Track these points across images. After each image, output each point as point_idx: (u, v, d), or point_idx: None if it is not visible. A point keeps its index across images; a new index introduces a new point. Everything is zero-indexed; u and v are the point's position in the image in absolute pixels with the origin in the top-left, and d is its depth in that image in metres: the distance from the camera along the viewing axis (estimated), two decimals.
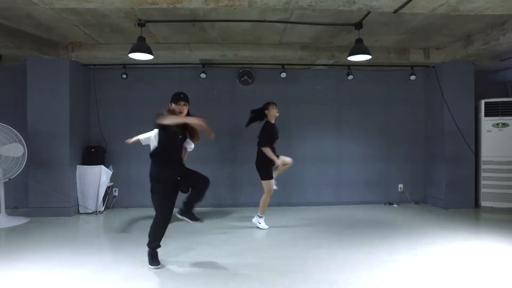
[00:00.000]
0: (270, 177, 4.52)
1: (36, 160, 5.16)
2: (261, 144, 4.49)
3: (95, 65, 5.75)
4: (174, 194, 3.32)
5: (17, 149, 4.84)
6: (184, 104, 3.28)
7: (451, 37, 5.03)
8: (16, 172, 4.89)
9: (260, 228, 4.58)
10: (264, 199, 4.57)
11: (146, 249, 3.37)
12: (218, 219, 5.19)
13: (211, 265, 3.33)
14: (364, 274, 3.06)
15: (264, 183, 4.52)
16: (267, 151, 4.40)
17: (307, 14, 4.17)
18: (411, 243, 3.95)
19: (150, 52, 4.27)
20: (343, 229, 4.60)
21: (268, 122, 4.62)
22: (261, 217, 4.65)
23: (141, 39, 4.26)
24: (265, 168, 4.49)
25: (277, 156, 4.47)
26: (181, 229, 4.20)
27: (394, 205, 6.09)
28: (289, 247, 3.83)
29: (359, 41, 4.47)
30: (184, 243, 3.97)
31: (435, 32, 4.82)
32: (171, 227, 3.46)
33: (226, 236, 4.27)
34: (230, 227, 4.75)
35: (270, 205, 5.76)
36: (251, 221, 4.79)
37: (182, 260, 3.46)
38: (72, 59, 5.30)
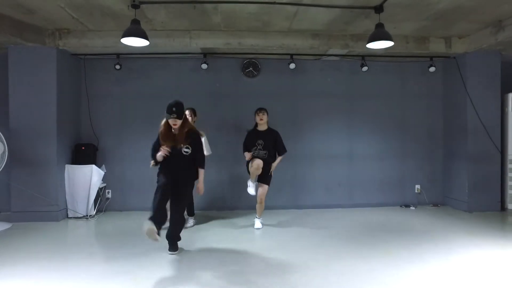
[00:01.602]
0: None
1: (20, 159, 4.66)
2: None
3: (85, 54, 5.25)
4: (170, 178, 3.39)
5: None
6: (177, 117, 3.29)
7: (478, 23, 4.56)
8: None
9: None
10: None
11: (143, 258, 3.30)
12: (219, 223, 4.71)
13: (218, 275, 2.86)
14: None
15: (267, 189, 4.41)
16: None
17: None
18: (442, 252, 3.49)
19: (145, 37, 3.77)
20: (361, 235, 4.14)
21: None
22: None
23: (135, 22, 3.76)
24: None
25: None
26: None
27: (411, 208, 5.63)
28: (303, 258, 3.35)
29: (379, 26, 4.00)
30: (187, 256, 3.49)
31: (462, 17, 4.35)
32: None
33: (229, 244, 3.79)
34: (232, 233, 4.27)
35: (276, 207, 5.33)
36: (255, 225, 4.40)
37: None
38: (60, 48, 4.79)
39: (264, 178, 4.34)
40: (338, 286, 2.72)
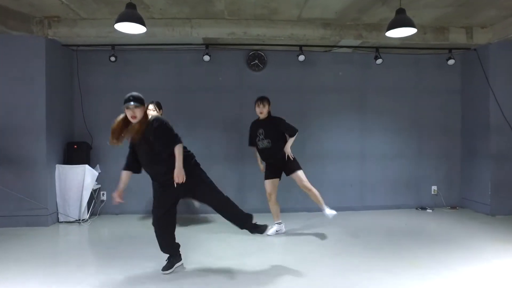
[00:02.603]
0: (264, 177, 4.06)
1: (5, 158, 4.27)
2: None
3: (77, 45, 4.86)
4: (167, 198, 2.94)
5: None
6: (135, 106, 2.77)
7: (507, 9, 4.18)
8: None
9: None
10: (316, 192, 4.03)
11: (142, 266, 3.04)
12: (225, 228, 4.33)
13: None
14: None
15: (301, 173, 3.99)
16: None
17: None
18: (472, 261, 3.13)
19: (142, 23, 3.38)
20: (379, 242, 3.76)
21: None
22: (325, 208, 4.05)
23: (131, 6, 3.37)
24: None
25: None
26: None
27: (427, 210, 5.26)
28: (320, 269, 2.98)
29: (401, 11, 3.62)
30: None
31: (490, 2, 3.97)
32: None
33: (241, 249, 3.42)
34: (241, 237, 3.89)
35: (286, 210, 4.93)
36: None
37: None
38: (49, 37, 4.41)
39: (288, 167, 3.95)
40: None
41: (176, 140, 2.82)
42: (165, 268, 2.95)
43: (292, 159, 3.93)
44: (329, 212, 4.00)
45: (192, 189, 2.91)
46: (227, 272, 2.94)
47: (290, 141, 3.98)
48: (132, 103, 2.76)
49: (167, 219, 2.95)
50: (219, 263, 3.15)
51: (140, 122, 2.79)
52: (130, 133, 2.82)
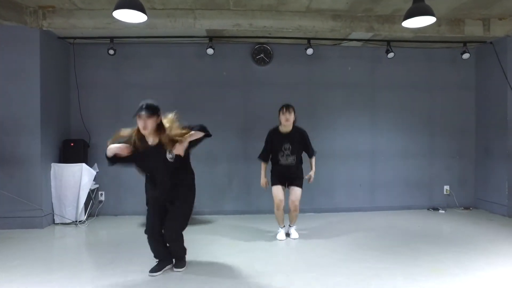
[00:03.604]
0: (272, 183, 3.75)
1: None
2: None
3: (74, 38, 4.62)
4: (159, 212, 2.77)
5: None
6: (148, 116, 2.56)
7: None
8: None
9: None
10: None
11: (142, 270, 2.82)
12: (231, 230, 4.10)
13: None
14: None
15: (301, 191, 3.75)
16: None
17: None
18: (499, 267, 2.90)
19: (143, 11, 3.14)
20: (393, 245, 3.53)
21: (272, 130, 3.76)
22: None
23: None
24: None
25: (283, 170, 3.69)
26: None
27: (440, 211, 5.04)
28: (334, 275, 2.75)
29: (418, 0, 3.39)
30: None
31: None
32: None
33: (243, 253, 3.19)
34: (247, 240, 3.66)
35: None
36: (273, 232, 3.80)
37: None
38: (44, 29, 4.16)
39: (295, 180, 3.68)
40: None
41: (206, 132, 2.79)
42: (155, 270, 2.77)
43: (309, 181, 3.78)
44: (294, 234, 3.80)
45: (174, 200, 2.73)
46: (235, 276, 2.71)
47: (313, 163, 3.78)
48: (144, 112, 2.52)
49: (161, 227, 2.76)
50: (225, 265, 2.92)
51: (164, 136, 2.59)
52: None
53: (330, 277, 2.74)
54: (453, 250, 3.37)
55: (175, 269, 2.85)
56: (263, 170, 3.78)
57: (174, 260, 2.89)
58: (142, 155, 2.66)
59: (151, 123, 2.57)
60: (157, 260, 2.85)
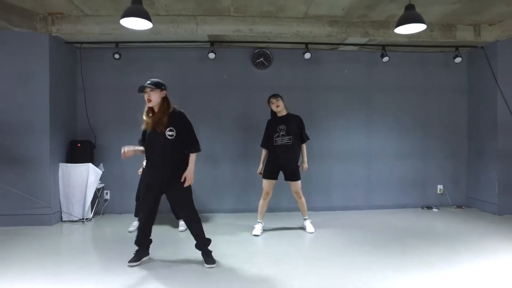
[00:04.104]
0: (264, 175, 3.99)
1: (8, 157, 4.22)
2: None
3: (81, 42, 4.79)
4: (153, 198, 2.99)
5: None
6: (151, 89, 2.93)
7: None
8: None
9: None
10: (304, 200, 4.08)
11: (146, 271, 2.89)
12: (230, 227, 4.28)
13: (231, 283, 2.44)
14: None
15: (299, 183, 4.00)
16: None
17: None
18: (484, 261, 3.07)
19: (148, 18, 3.33)
20: (387, 241, 3.71)
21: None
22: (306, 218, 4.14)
23: (137, 1, 3.32)
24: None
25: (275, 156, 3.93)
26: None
27: (433, 209, 5.22)
28: (330, 268, 2.93)
29: (410, 7, 3.57)
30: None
31: None
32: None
33: (242, 250, 3.36)
34: (246, 238, 3.84)
35: (291, 209, 4.89)
36: (273, 229, 3.94)
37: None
38: (53, 34, 4.34)
39: (293, 173, 3.91)
40: None
41: (196, 143, 2.97)
42: (133, 260, 3.00)
43: (302, 168, 3.99)
44: (309, 226, 4.03)
45: (171, 183, 2.94)
46: (231, 271, 2.89)
47: (305, 151, 4.02)
48: (147, 85, 2.90)
49: (152, 214, 3.02)
50: (222, 262, 3.10)
51: (161, 111, 2.90)
52: (152, 124, 2.91)
53: (325, 269, 2.92)
54: (442, 245, 3.55)
55: (206, 266, 2.96)
56: (263, 158, 4.05)
57: (202, 255, 3.04)
58: (148, 134, 2.96)
59: (154, 96, 2.90)
60: (135, 251, 3.05)
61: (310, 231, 3.99)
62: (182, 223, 4.18)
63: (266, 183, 3.94)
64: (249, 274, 2.84)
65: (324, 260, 3.16)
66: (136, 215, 4.11)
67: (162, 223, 4.40)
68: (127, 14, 3.27)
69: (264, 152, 4.05)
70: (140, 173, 4.17)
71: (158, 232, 3.85)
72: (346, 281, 2.69)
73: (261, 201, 4.00)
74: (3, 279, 2.74)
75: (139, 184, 4.13)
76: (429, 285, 2.60)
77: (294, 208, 4.58)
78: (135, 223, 4.09)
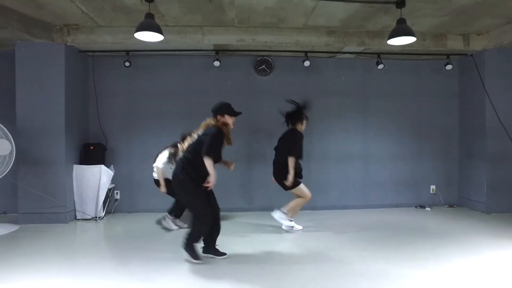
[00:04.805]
0: (299, 182, 4.17)
1: (27, 159, 4.51)
2: (292, 153, 4.06)
3: (94, 51, 5.09)
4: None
5: (3, 146, 4.17)
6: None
7: (501, 18, 4.43)
8: (3, 173, 4.23)
9: (292, 228, 4.22)
10: (299, 202, 4.22)
11: (159, 263, 3.18)
12: (233, 225, 4.57)
13: (239, 276, 2.73)
14: None
15: (297, 190, 4.15)
16: (293, 162, 4.05)
17: None
18: (468, 254, 3.37)
19: (160, 32, 3.63)
20: (381, 237, 4.00)
21: (299, 131, 4.21)
22: (290, 219, 4.26)
23: (149, 16, 3.62)
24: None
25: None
26: None
27: (426, 208, 5.51)
28: (327, 261, 3.22)
29: (401, 21, 3.87)
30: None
31: (486, 12, 4.22)
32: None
33: (248, 245, 3.65)
34: (248, 233, 4.13)
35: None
36: (271, 227, 4.22)
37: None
38: (68, 44, 4.64)
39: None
40: None
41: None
42: (220, 254, 3.31)
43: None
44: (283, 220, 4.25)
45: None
46: (236, 261, 3.18)
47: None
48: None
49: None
50: (236, 254, 3.38)
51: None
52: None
53: (321, 263, 3.21)
54: (432, 241, 3.84)
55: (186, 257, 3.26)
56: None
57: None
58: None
59: None
60: (202, 246, 3.31)
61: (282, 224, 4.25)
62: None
63: (305, 187, 4.19)
64: (252, 265, 3.12)
65: (320, 253, 3.45)
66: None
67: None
68: (141, 28, 3.57)
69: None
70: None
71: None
72: (342, 272, 2.98)
73: (301, 204, 4.25)
74: (30, 271, 3.02)
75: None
76: (418, 276, 2.89)
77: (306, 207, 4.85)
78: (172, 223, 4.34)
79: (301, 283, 2.75)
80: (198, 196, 3.13)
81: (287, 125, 4.26)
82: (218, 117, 3.26)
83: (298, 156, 4.10)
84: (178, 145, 4.18)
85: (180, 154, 3.76)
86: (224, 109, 3.28)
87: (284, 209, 4.23)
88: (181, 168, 3.14)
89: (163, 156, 4.31)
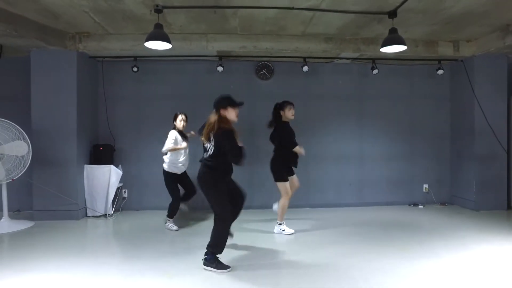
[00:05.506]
0: (286, 179, 4.20)
1: (41, 159, 4.78)
2: (290, 145, 4.19)
3: (103, 57, 5.36)
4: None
5: (21, 148, 4.45)
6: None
7: (487, 27, 4.72)
8: (20, 172, 4.50)
9: (287, 234, 4.25)
10: (283, 204, 4.23)
11: (171, 256, 3.40)
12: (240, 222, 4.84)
13: (236, 276, 2.99)
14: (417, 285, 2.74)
15: (280, 185, 4.19)
16: (297, 149, 4.20)
17: (339, 1, 3.85)
18: (454, 247, 3.65)
19: (168, 41, 3.89)
20: (375, 233, 4.28)
21: (286, 122, 4.27)
22: (281, 223, 4.31)
23: (158, 26, 3.88)
24: (280, 169, 4.19)
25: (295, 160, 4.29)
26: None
27: (419, 206, 5.79)
28: (322, 253, 3.50)
29: (393, 31, 4.14)
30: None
31: (473, 21, 4.50)
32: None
33: (248, 242, 3.93)
34: (249, 231, 4.40)
35: (291, 206, 5.44)
36: (272, 224, 4.47)
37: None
38: (80, 50, 4.91)
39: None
40: (362, 280, 2.87)
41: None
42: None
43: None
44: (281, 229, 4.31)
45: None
46: (244, 257, 3.45)
47: None
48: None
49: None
50: (239, 249, 3.66)
51: None
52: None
53: (318, 255, 3.49)
54: (421, 236, 4.12)
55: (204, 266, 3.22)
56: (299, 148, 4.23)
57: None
58: None
59: None
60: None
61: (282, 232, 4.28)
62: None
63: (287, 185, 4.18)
64: (256, 260, 3.39)
65: (317, 247, 3.73)
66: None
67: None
68: (151, 38, 3.84)
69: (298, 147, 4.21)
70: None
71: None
72: (335, 260, 3.26)
73: (286, 203, 4.22)
74: (46, 265, 3.28)
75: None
76: (405, 266, 3.17)
77: (303, 205, 5.14)
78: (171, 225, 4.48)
79: (297, 274, 3.03)
80: (221, 193, 3.14)
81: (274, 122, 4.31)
82: (221, 110, 3.16)
83: (294, 145, 4.16)
84: (174, 123, 4.54)
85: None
86: (225, 101, 3.21)
87: (278, 220, 4.32)
88: (204, 168, 3.16)
89: (168, 141, 4.43)
